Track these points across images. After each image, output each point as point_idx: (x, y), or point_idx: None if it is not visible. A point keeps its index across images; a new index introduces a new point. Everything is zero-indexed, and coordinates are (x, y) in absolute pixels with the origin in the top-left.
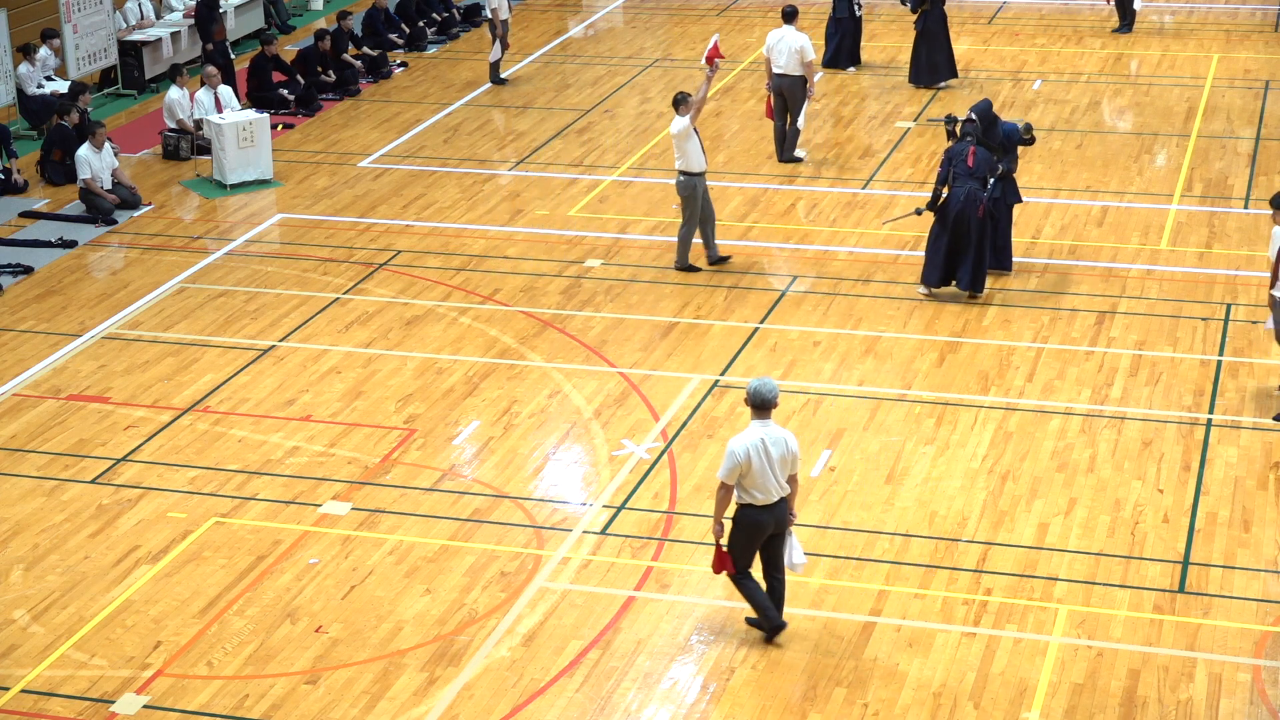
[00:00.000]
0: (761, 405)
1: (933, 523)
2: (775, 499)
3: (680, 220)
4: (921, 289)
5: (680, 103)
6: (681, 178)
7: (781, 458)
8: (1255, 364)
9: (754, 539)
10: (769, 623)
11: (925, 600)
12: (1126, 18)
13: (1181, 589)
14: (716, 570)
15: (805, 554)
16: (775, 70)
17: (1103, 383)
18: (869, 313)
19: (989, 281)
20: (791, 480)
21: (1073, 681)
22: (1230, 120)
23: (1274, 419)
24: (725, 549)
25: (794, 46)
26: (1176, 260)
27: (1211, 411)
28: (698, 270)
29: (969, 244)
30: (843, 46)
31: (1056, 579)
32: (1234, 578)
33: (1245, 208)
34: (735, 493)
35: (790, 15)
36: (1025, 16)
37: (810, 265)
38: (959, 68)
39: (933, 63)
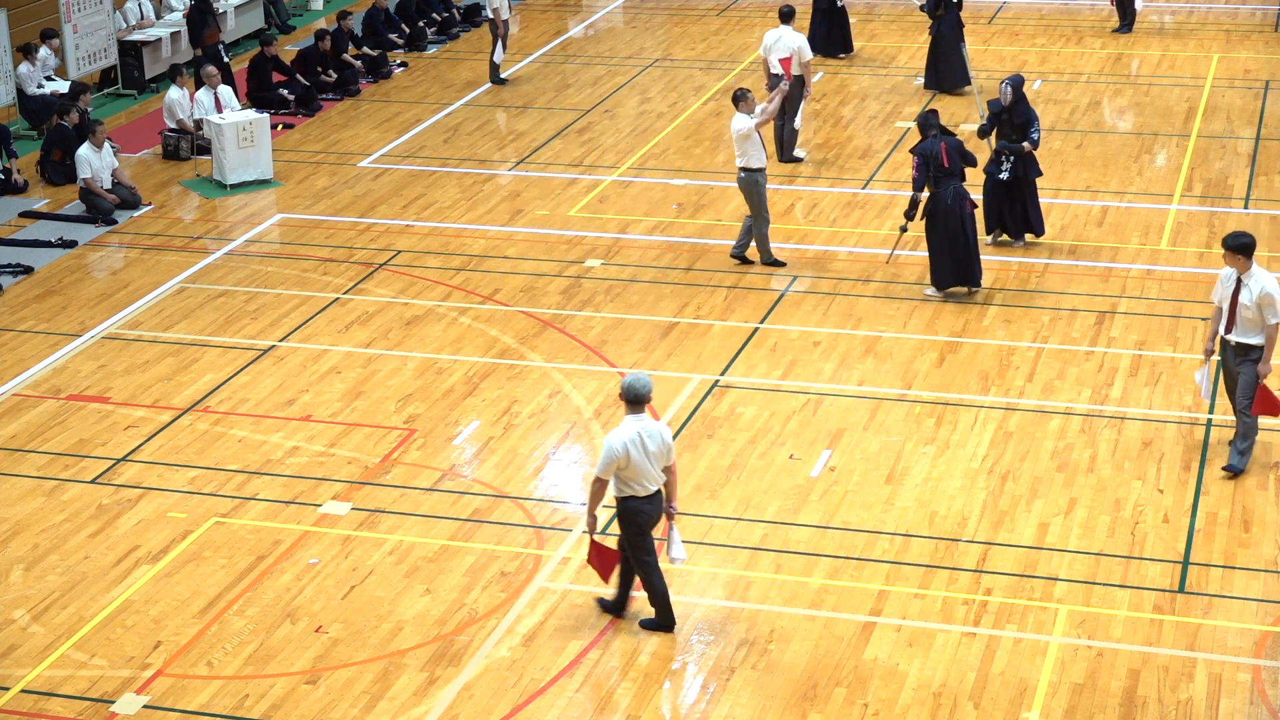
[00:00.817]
0: (635, 400)
1: (933, 523)
2: (654, 490)
3: (748, 216)
4: (932, 292)
5: (740, 99)
6: (743, 174)
7: (658, 451)
8: None
9: (645, 529)
10: (664, 620)
11: (925, 600)
12: (1127, 18)
13: (1181, 589)
14: (594, 565)
15: (685, 548)
16: (774, 71)
17: (1103, 383)
18: (869, 313)
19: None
20: (668, 471)
21: (1073, 681)
22: (1230, 120)
23: (1224, 470)
24: (606, 545)
25: (792, 47)
26: (1176, 260)
27: (1211, 411)
28: (783, 265)
29: (967, 241)
30: (833, 35)
31: (1056, 579)
32: (1234, 578)
33: (1245, 208)
34: (615, 486)
35: (787, 15)
36: (1025, 16)
37: (810, 265)
38: None
39: (946, 69)
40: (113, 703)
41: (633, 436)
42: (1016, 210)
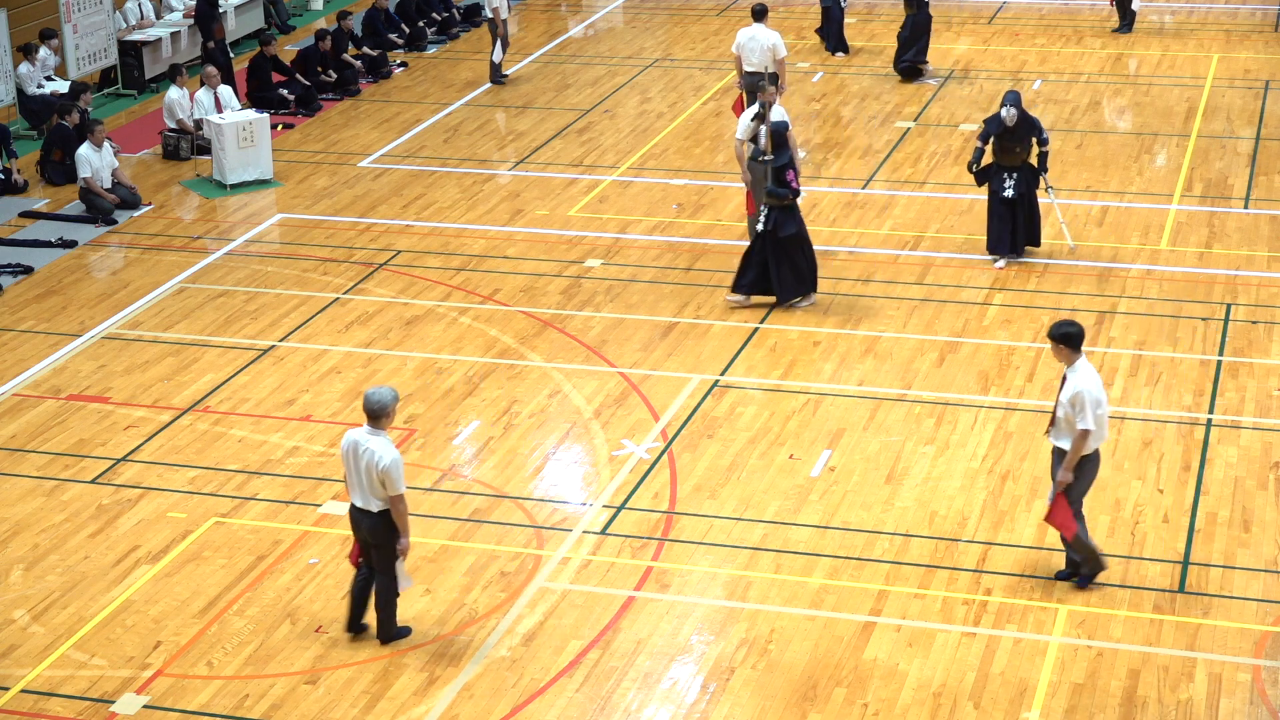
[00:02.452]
0: (367, 413)
1: (933, 523)
2: (357, 503)
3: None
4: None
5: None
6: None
7: (368, 468)
8: (1255, 364)
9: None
10: (352, 625)
11: (925, 600)
12: (1126, 18)
13: (1181, 589)
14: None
15: (410, 580)
16: (747, 68)
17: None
18: (869, 313)
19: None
20: (392, 502)
21: (1073, 681)
22: (1230, 120)
23: (1055, 576)
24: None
25: (765, 44)
26: (1176, 260)
27: (1211, 411)
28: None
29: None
30: (830, 33)
31: (1057, 579)
32: (1234, 578)
33: (1245, 208)
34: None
35: (760, 13)
36: (1025, 16)
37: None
38: (959, 68)
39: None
40: (113, 703)
41: (347, 444)
42: (1020, 226)
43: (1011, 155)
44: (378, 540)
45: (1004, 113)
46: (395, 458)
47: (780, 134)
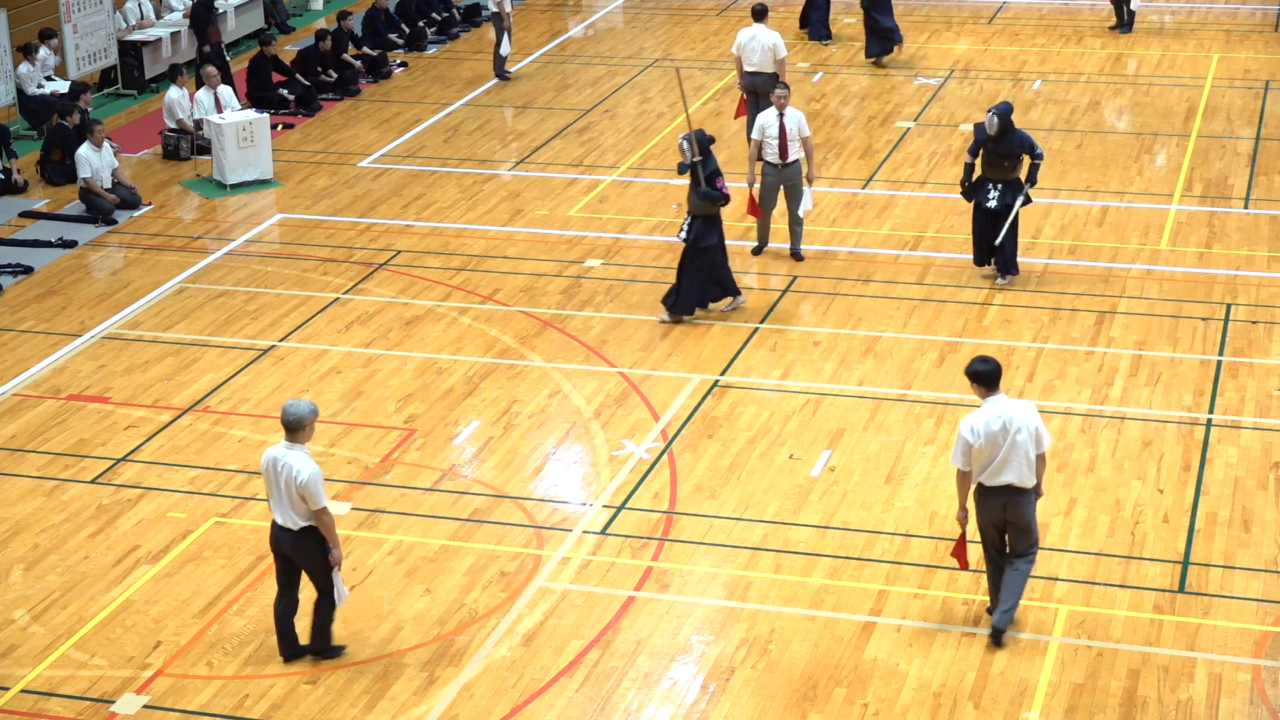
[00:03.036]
0: (284, 427)
1: (933, 523)
2: (279, 521)
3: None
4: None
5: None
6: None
7: (287, 483)
8: (1255, 364)
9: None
10: (286, 652)
11: (925, 600)
12: (1124, 18)
13: (1181, 589)
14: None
15: (348, 589)
16: (748, 69)
17: (1103, 383)
18: (869, 313)
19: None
20: (316, 516)
21: (1073, 681)
22: (1230, 120)
23: (989, 640)
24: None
25: (766, 44)
26: (1176, 260)
27: (1211, 411)
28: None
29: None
30: (811, 19)
31: (1056, 579)
32: (1234, 578)
33: (1245, 208)
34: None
35: (760, 13)
36: (1025, 16)
37: (810, 265)
38: (959, 68)
39: (874, 37)
40: (113, 703)
41: (268, 460)
42: (1004, 244)
43: (999, 168)
44: (304, 559)
45: (986, 119)
46: (314, 471)
47: (704, 141)
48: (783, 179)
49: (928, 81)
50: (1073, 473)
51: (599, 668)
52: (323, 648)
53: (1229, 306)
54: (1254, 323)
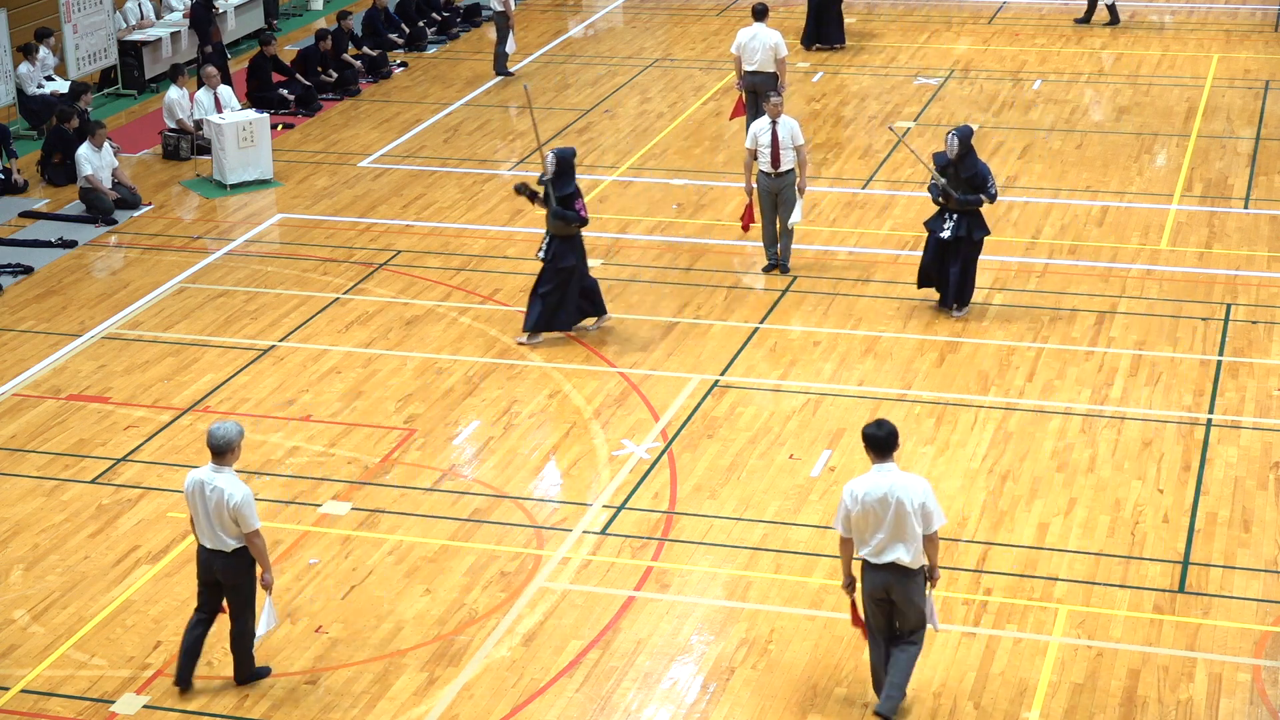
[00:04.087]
0: (211, 450)
1: None
2: (208, 545)
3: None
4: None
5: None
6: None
7: (218, 506)
8: (1255, 364)
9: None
10: (183, 679)
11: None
12: (1091, 10)
13: (1181, 589)
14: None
15: (276, 619)
16: (748, 68)
17: (1103, 383)
18: (869, 313)
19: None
20: (248, 538)
21: (1073, 681)
22: (1230, 120)
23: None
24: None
25: (768, 44)
26: (1176, 260)
27: (1211, 411)
28: (774, 267)
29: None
30: (825, 20)
31: (1056, 579)
32: (1234, 578)
33: (1245, 208)
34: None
35: (761, 13)
36: (1025, 16)
37: (810, 265)
38: (959, 68)
39: (827, 30)
40: (113, 703)
41: (195, 482)
42: (950, 273)
43: (951, 198)
44: (234, 581)
45: (946, 140)
46: (246, 493)
47: (566, 160)
48: (775, 188)
49: (928, 81)
50: (1073, 473)
51: (599, 668)
52: (245, 675)
53: (1229, 306)
54: (1254, 323)
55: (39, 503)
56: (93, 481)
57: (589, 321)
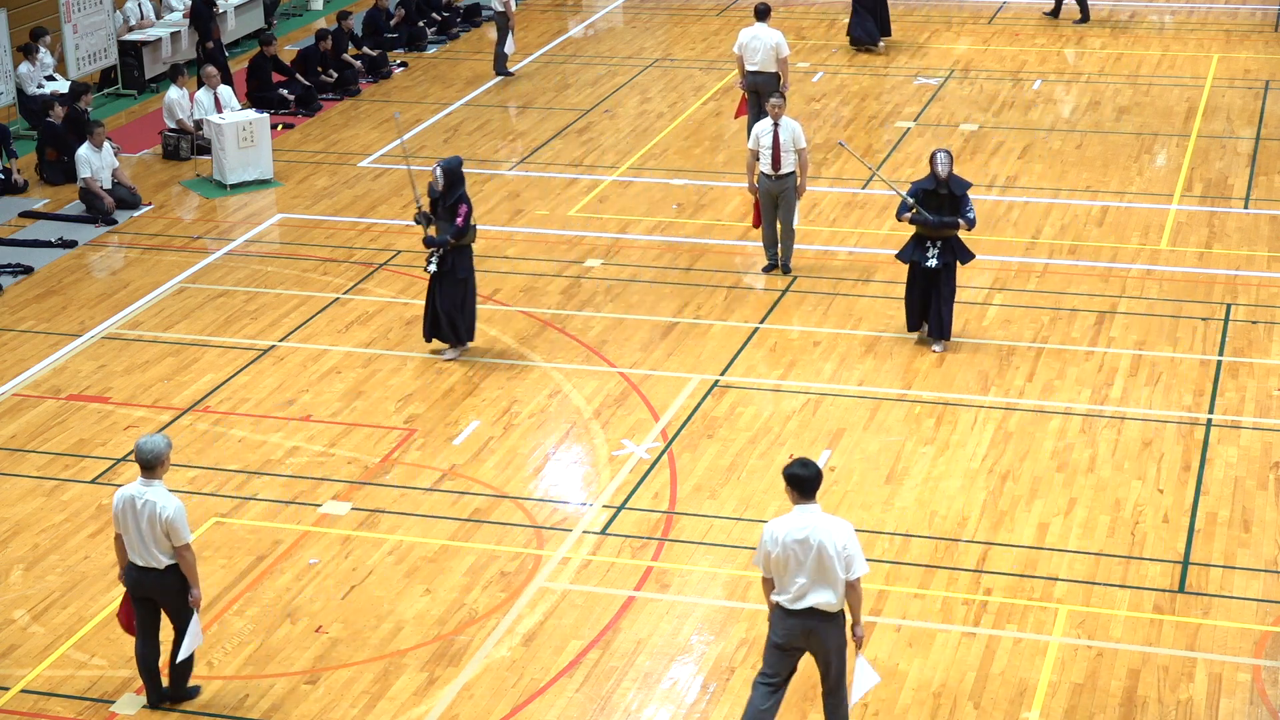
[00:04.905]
0: (140, 464)
1: (933, 523)
2: (139, 563)
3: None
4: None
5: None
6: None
7: (150, 521)
8: (1255, 364)
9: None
10: (153, 699)
11: (925, 600)
12: (1059, 7)
13: (1181, 589)
14: (121, 623)
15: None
16: (750, 68)
17: (1103, 383)
18: (869, 313)
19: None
20: (179, 553)
21: (1073, 681)
22: (1230, 120)
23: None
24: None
25: (769, 43)
26: (1176, 260)
27: (1211, 411)
28: (774, 267)
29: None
30: (879, 17)
31: (1056, 579)
32: (1234, 578)
33: (1245, 208)
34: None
35: (763, 13)
36: (1025, 16)
37: (810, 265)
38: (959, 68)
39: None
40: (113, 703)
41: (125, 496)
42: (934, 304)
43: (939, 223)
44: (169, 598)
45: (937, 157)
46: (178, 506)
47: (452, 170)
48: (775, 189)
49: (928, 81)
50: (1073, 473)
51: (599, 668)
52: (178, 694)
53: (1229, 306)
54: (1254, 323)
55: (39, 503)
56: (93, 481)
57: (447, 348)
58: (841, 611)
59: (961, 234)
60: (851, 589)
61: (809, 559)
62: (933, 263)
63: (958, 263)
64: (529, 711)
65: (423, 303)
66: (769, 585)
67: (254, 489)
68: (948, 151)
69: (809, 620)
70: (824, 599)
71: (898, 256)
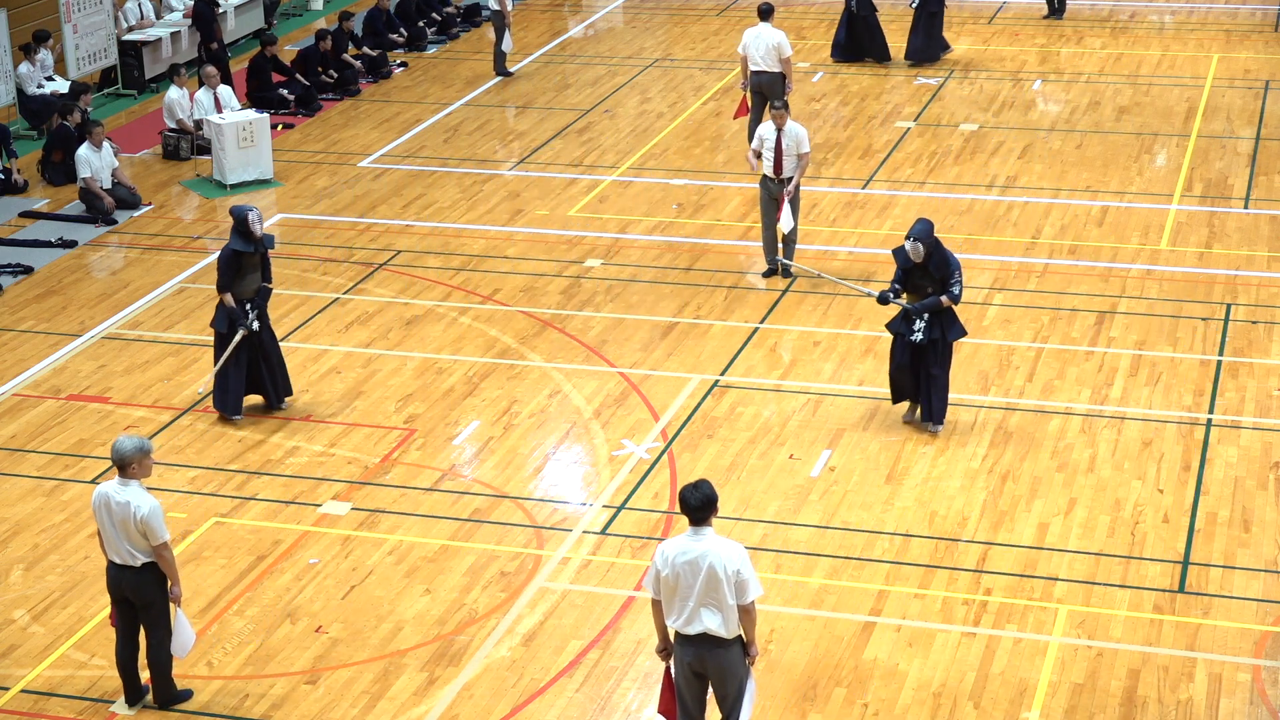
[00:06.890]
0: (115, 465)
1: (933, 523)
2: (116, 561)
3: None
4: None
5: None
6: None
7: (124, 520)
8: (1255, 364)
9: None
10: (132, 698)
11: (925, 600)
12: (1055, 5)
13: (1181, 589)
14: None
15: (193, 636)
16: (753, 68)
17: (1103, 383)
18: (869, 313)
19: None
20: (156, 551)
21: (1073, 681)
22: (1230, 120)
23: None
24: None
25: (771, 43)
26: (1176, 260)
27: (1211, 411)
28: (775, 272)
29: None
30: (877, 40)
31: (1056, 579)
32: (1234, 578)
33: (1245, 208)
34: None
35: (766, 12)
36: (1025, 16)
37: (810, 265)
38: (959, 67)
39: (925, 44)
40: (113, 703)
41: (101, 495)
42: (923, 381)
43: (922, 295)
44: (145, 598)
45: (908, 246)
46: (154, 505)
47: (239, 217)
48: (777, 193)
49: (928, 81)
50: (1073, 473)
51: (599, 668)
52: (165, 697)
53: (1229, 306)
54: (1254, 323)
55: (39, 503)
56: (93, 481)
57: (258, 400)
58: (738, 638)
59: (956, 307)
60: (745, 613)
61: (698, 582)
62: (918, 337)
63: (949, 338)
64: (529, 711)
65: (422, 302)
66: (659, 608)
67: (254, 489)
68: (916, 237)
69: (702, 646)
70: (714, 623)
71: (887, 326)
